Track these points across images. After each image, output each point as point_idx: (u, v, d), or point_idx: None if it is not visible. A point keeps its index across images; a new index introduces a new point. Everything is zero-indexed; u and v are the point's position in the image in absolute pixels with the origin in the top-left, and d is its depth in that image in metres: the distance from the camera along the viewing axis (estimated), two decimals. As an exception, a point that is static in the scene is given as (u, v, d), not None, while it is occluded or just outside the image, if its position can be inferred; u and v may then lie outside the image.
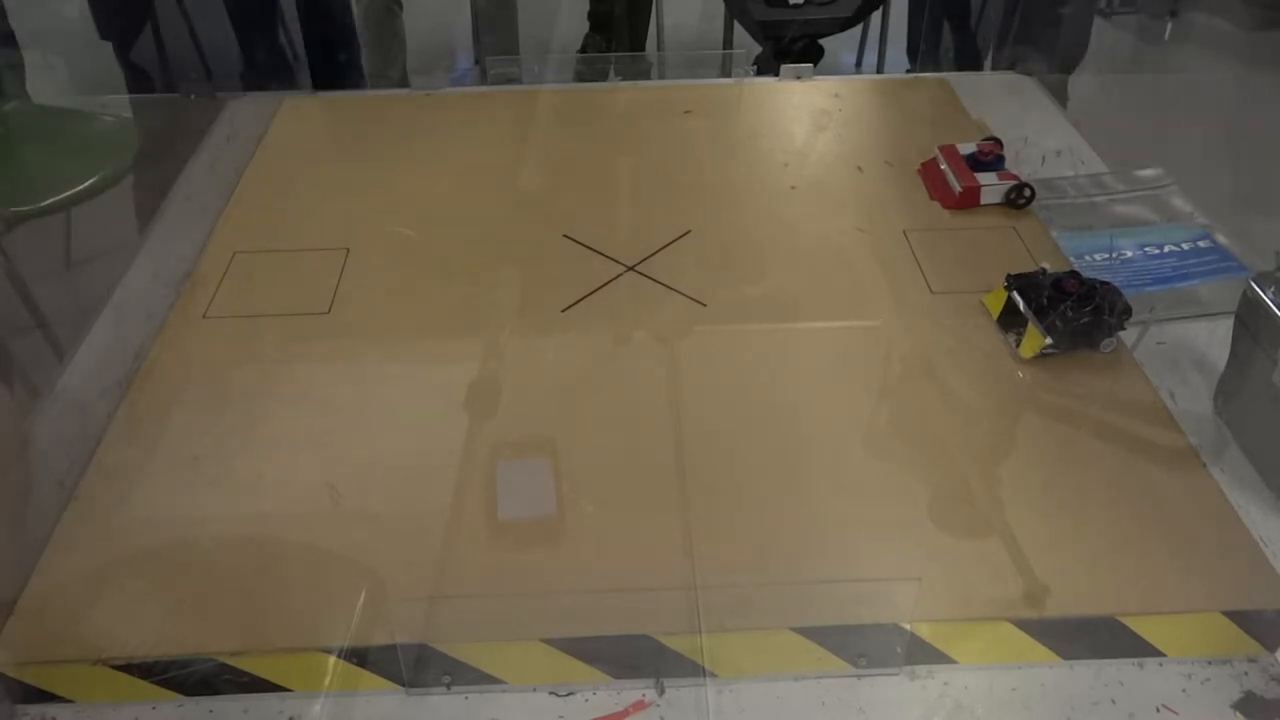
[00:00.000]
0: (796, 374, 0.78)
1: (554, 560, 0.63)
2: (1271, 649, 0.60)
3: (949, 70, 1.28)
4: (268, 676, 0.59)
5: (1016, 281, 0.80)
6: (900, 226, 0.94)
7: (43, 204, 1.48)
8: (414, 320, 0.85)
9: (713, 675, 0.59)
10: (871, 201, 0.99)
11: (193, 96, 1.10)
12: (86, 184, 1.54)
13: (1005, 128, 1.09)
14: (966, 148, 1.01)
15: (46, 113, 1.75)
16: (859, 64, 2.69)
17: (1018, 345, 0.78)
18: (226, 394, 0.77)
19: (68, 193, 1.52)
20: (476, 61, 2.50)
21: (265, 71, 1.63)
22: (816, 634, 0.59)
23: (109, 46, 2.63)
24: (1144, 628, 0.59)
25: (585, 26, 2.46)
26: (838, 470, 0.69)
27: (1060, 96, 1.26)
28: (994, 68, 1.31)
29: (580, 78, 1.19)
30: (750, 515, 0.66)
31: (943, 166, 1.00)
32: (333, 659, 0.58)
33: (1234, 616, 0.59)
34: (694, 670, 0.59)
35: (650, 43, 2.42)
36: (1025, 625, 0.59)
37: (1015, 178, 0.97)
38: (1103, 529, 0.65)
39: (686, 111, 1.16)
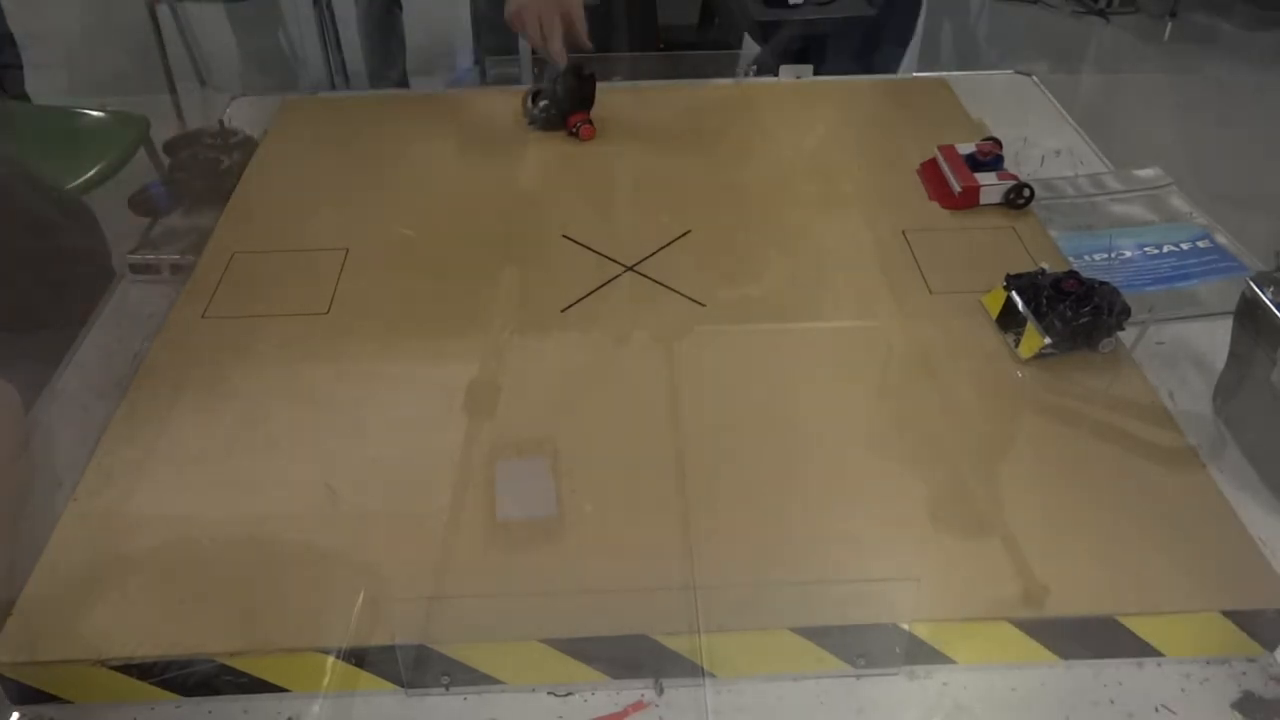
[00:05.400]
0: (796, 374, 0.78)
1: (554, 560, 0.63)
2: (1271, 649, 0.60)
3: (949, 70, 1.28)
4: (267, 677, 0.59)
5: (1015, 281, 0.80)
6: (900, 226, 0.94)
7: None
8: (414, 320, 0.85)
9: (712, 675, 0.59)
10: (871, 201, 0.99)
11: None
12: (85, 176, 1.54)
13: (1005, 128, 1.09)
14: (966, 148, 1.01)
15: (46, 112, 1.75)
16: (859, 64, 2.69)
17: (1017, 345, 0.78)
18: (226, 394, 0.77)
19: (67, 185, 1.52)
20: (476, 61, 2.50)
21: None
22: (816, 634, 0.59)
23: (108, 47, 2.64)
24: (1143, 628, 0.59)
25: (586, 26, 2.45)
26: (837, 470, 0.69)
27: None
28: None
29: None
30: (750, 515, 0.66)
31: (942, 166, 1.00)
32: (331, 659, 0.58)
33: (1233, 616, 0.59)
34: (693, 670, 0.59)
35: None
36: (1024, 625, 0.59)
37: (1015, 178, 0.97)
38: (1102, 529, 0.65)
39: (687, 111, 1.16)
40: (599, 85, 1.11)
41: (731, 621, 0.60)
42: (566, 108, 1.09)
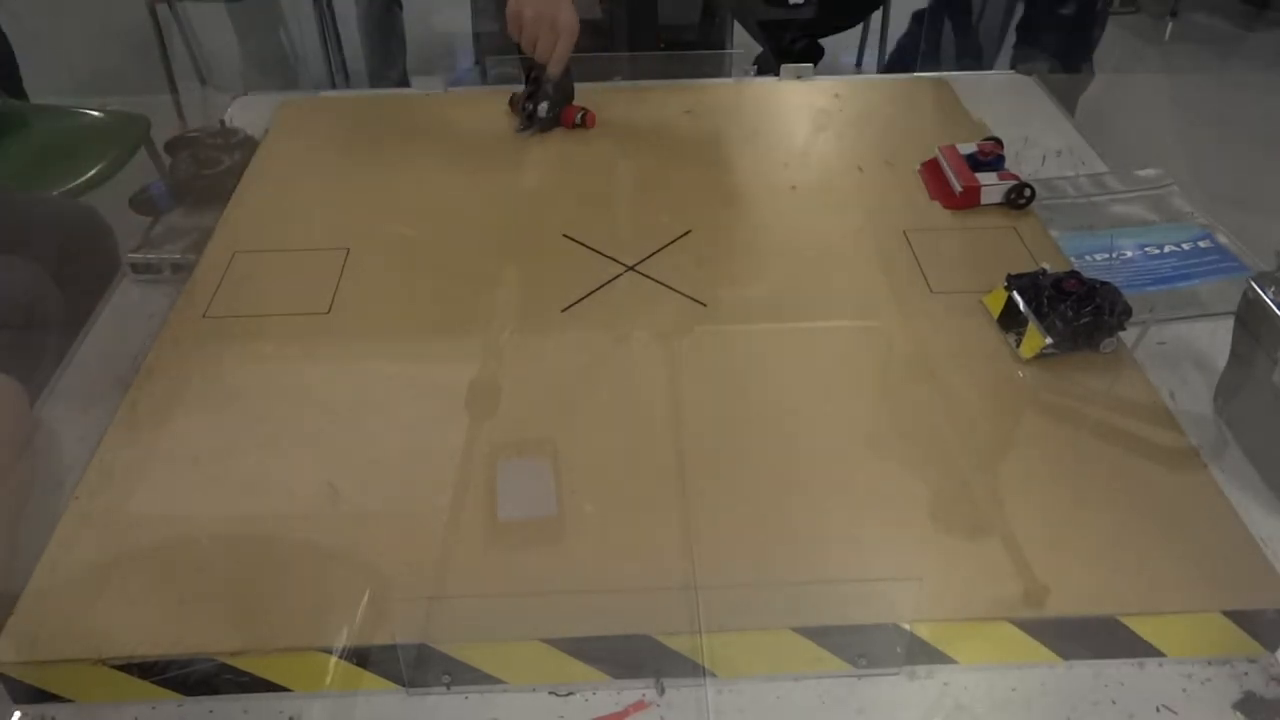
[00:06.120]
0: (796, 374, 0.78)
1: (554, 560, 0.63)
2: (1271, 649, 0.60)
3: (949, 70, 1.28)
4: (268, 676, 0.59)
5: (1016, 281, 0.80)
6: (900, 226, 0.94)
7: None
8: (414, 320, 0.85)
9: (713, 675, 0.59)
10: (871, 201, 0.99)
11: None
12: (85, 176, 1.54)
13: (1005, 128, 1.09)
14: (967, 148, 1.01)
15: (46, 112, 1.75)
16: (859, 64, 2.69)
17: (1018, 345, 0.78)
18: (226, 394, 0.77)
19: (67, 185, 1.52)
20: (476, 61, 2.50)
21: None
22: (816, 634, 0.59)
23: (108, 47, 2.63)
24: (1144, 628, 0.59)
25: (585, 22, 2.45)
26: (838, 470, 0.69)
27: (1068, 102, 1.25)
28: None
29: (580, 77, 1.19)
30: (750, 515, 0.66)
31: (943, 166, 1.00)
32: (333, 659, 0.58)
33: (1234, 616, 0.59)
34: (694, 670, 0.59)
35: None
36: (1025, 625, 0.59)
37: (1015, 178, 0.97)
38: (1103, 529, 0.65)
39: (687, 111, 1.16)
40: (592, 83, 1.11)
41: (732, 621, 0.60)
42: (560, 105, 1.10)
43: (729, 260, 0.91)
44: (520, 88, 1.12)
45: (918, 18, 2.14)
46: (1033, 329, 0.77)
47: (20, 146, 1.66)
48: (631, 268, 0.89)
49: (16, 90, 1.81)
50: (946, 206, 0.98)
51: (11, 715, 0.58)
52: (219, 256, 0.92)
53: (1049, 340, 0.76)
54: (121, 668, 0.58)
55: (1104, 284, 0.78)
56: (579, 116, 1.11)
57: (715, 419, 0.73)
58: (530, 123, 1.10)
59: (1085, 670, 0.60)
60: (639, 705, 0.58)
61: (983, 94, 1.19)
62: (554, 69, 1.08)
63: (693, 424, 0.73)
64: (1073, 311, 0.76)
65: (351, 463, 0.70)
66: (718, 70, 1.26)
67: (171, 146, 1.05)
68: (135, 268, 0.92)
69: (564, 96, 1.11)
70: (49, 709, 0.59)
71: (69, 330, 0.87)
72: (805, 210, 0.98)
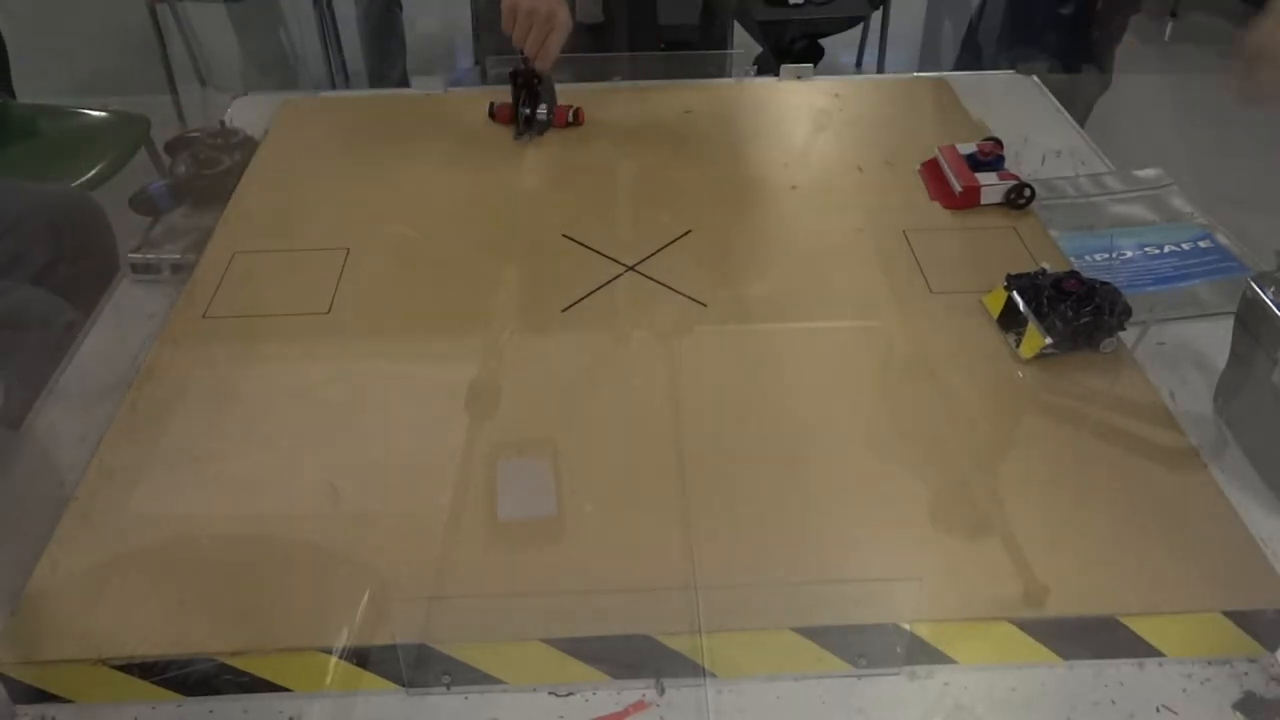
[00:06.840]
0: (797, 374, 0.78)
1: (554, 560, 0.63)
2: (1271, 649, 0.60)
3: (949, 70, 1.28)
4: (268, 676, 0.59)
5: (1016, 281, 0.80)
6: (900, 226, 0.94)
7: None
8: (414, 320, 0.85)
9: (713, 675, 0.59)
10: (871, 201, 0.99)
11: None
12: (85, 176, 1.54)
13: (1005, 128, 1.09)
14: (966, 148, 1.01)
15: (47, 112, 1.75)
16: (859, 64, 2.69)
17: (1018, 345, 0.78)
18: (226, 394, 0.77)
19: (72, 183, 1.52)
20: (476, 61, 2.50)
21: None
22: (816, 634, 0.59)
23: (108, 47, 2.63)
24: (1144, 628, 0.59)
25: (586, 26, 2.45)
26: (838, 470, 0.69)
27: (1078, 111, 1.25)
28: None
29: (580, 78, 1.19)
30: (750, 515, 0.66)
31: (943, 166, 1.00)
32: (333, 659, 0.58)
33: (1234, 616, 0.59)
34: (694, 670, 0.59)
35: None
36: (1025, 625, 0.59)
37: (1015, 178, 0.97)
38: (1103, 529, 0.65)
39: (686, 111, 1.16)
40: (592, 83, 1.12)
41: (732, 621, 0.60)
42: (552, 105, 1.12)
43: (729, 260, 0.91)
44: (502, 89, 1.13)
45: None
46: (1032, 329, 0.77)
47: (20, 146, 1.66)
48: (631, 268, 0.89)
49: (6, 88, 1.79)
50: (946, 206, 0.98)
51: (11, 715, 0.58)
52: (219, 256, 0.92)
53: (1049, 340, 0.76)
54: (121, 668, 0.58)
55: (1104, 284, 0.78)
56: (570, 114, 1.11)
57: (715, 419, 0.73)
58: (529, 127, 1.10)
59: (1085, 670, 0.60)
60: (639, 705, 0.58)
61: (983, 94, 1.19)
62: (544, 64, 1.08)
63: (693, 424, 0.73)
64: (1073, 311, 0.76)
65: (351, 463, 0.70)
66: (718, 70, 1.26)
67: (171, 147, 1.05)
68: (135, 268, 0.92)
69: (553, 97, 1.12)
70: (49, 709, 0.59)
71: (69, 328, 0.87)
72: (805, 210, 0.98)
